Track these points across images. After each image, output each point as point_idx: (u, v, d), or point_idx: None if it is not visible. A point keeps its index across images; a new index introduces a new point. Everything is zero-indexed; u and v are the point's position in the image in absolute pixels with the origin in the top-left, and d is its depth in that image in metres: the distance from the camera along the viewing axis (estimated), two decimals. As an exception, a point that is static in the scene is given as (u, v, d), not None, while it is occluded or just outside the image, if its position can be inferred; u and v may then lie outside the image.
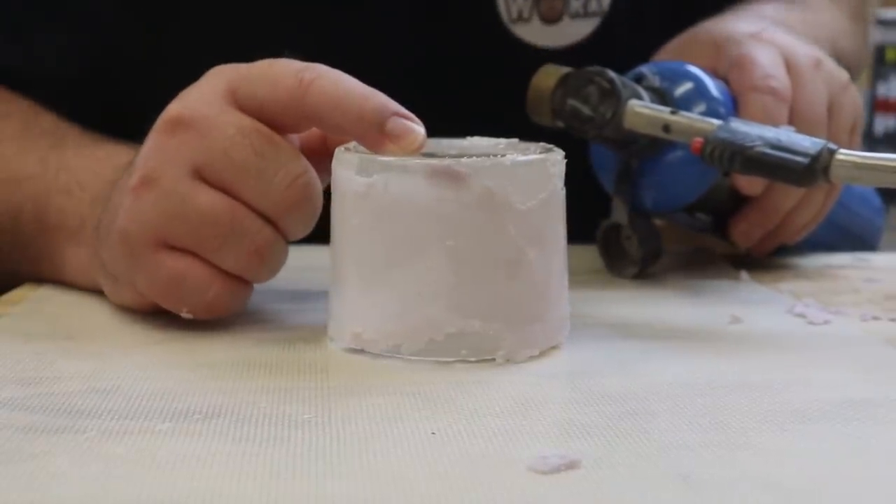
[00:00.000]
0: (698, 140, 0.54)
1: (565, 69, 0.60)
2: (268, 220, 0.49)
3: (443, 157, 0.46)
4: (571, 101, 0.59)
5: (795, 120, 0.61)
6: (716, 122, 0.55)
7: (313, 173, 0.49)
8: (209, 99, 0.48)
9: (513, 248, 0.46)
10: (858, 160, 0.51)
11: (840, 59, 0.73)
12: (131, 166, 0.50)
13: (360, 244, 0.47)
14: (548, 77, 0.60)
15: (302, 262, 0.69)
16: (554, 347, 0.48)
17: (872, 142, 1.68)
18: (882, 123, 1.65)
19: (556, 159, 0.48)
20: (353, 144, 0.49)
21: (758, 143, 0.52)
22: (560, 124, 0.60)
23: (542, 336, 0.47)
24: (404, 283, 0.46)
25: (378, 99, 0.47)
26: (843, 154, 0.51)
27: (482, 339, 0.46)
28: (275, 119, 0.48)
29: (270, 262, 0.50)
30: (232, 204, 0.48)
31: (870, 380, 0.45)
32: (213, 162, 0.47)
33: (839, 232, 0.77)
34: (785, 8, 0.77)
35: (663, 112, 0.57)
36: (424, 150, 0.47)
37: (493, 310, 0.46)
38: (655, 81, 0.62)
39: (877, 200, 0.84)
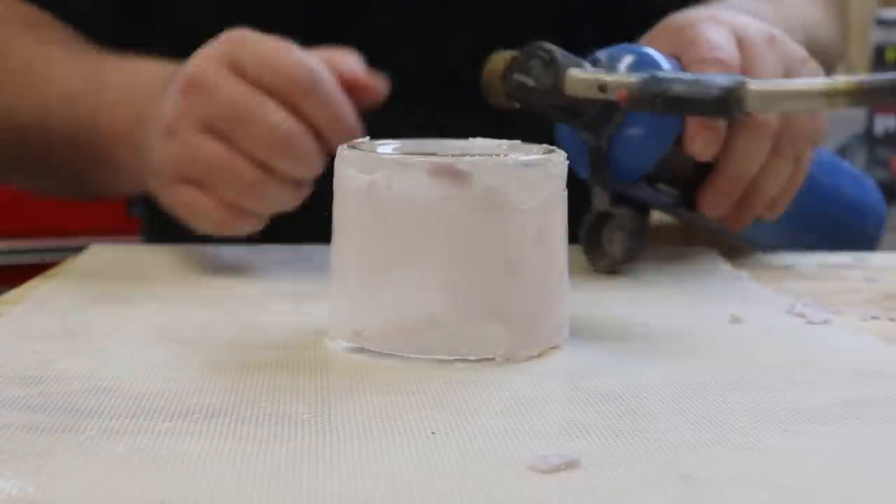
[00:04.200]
0: (622, 91, 0.57)
1: (514, 52, 0.63)
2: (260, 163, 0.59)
3: (445, 155, 0.46)
4: (517, 76, 0.62)
5: None
6: (645, 75, 0.58)
7: (292, 123, 0.59)
8: (211, 65, 0.60)
9: (514, 248, 0.46)
10: (770, 88, 0.54)
11: (814, 49, 0.75)
12: (158, 112, 0.62)
13: (362, 241, 0.47)
14: (498, 60, 0.63)
15: (302, 262, 0.69)
16: (554, 347, 0.48)
17: (872, 142, 1.67)
18: (882, 123, 1.65)
19: (558, 160, 0.48)
20: (356, 142, 0.49)
21: (677, 84, 0.56)
22: (516, 105, 0.62)
23: (541, 336, 0.47)
24: (405, 280, 0.46)
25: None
26: (756, 84, 0.54)
27: (482, 339, 0.46)
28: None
29: (265, 198, 0.60)
30: (230, 152, 0.59)
31: (870, 380, 0.45)
32: (216, 119, 0.59)
33: (828, 221, 0.77)
34: (757, 0, 0.78)
35: (598, 73, 0.60)
36: (427, 149, 0.47)
37: (493, 309, 0.46)
38: (604, 59, 0.63)
39: (875, 192, 0.83)
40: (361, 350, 0.47)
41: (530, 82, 0.61)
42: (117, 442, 0.36)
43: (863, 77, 0.53)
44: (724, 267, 0.69)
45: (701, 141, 0.61)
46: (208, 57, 0.60)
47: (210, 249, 0.73)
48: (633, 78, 0.58)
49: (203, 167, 0.60)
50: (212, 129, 0.60)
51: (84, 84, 0.71)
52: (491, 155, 0.46)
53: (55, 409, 0.40)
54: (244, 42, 0.60)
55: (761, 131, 0.63)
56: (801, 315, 0.55)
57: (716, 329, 0.53)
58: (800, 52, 0.66)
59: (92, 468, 0.34)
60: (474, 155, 0.46)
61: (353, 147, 0.48)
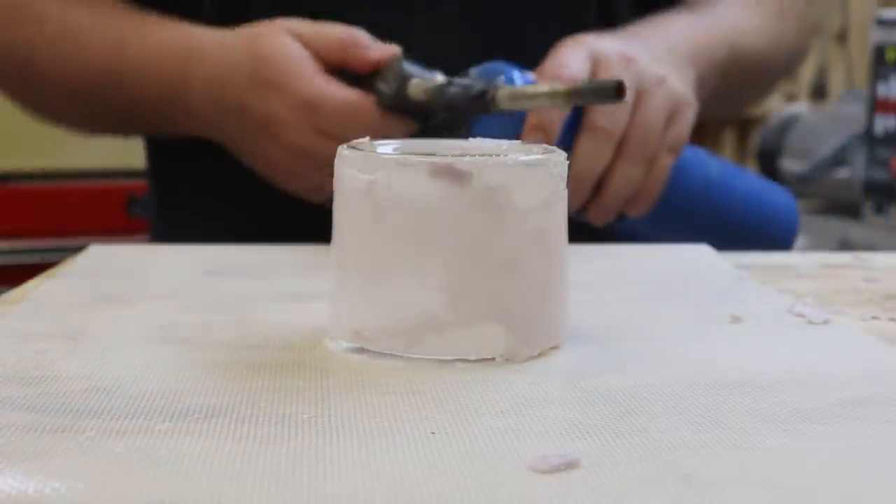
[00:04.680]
0: (428, 92, 0.70)
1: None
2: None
3: (445, 155, 0.46)
4: (378, 85, 0.72)
5: (595, 108, 0.70)
6: (444, 81, 0.70)
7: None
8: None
9: (514, 248, 0.46)
10: (513, 90, 0.66)
11: (745, 53, 0.86)
12: (249, 138, 0.76)
13: (362, 242, 0.47)
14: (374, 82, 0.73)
15: (302, 262, 0.69)
16: (554, 347, 0.48)
17: (873, 142, 1.67)
18: (882, 123, 1.65)
19: (558, 160, 0.48)
20: (356, 142, 0.49)
21: (456, 88, 0.68)
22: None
23: (542, 336, 0.47)
24: (405, 280, 0.46)
25: None
26: (505, 88, 0.66)
27: (482, 339, 0.46)
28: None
29: None
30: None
31: (870, 380, 0.45)
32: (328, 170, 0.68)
33: (716, 225, 0.80)
34: (677, 14, 0.86)
35: (428, 82, 0.70)
36: (427, 149, 0.47)
37: (493, 309, 0.46)
38: (473, 74, 0.71)
39: (783, 201, 0.84)
40: (361, 350, 0.47)
41: (384, 89, 0.72)
42: (117, 442, 0.36)
43: (574, 83, 0.64)
44: (724, 267, 0.69)
45: (532, 138, 0.69)
46: (300, 127, 0.72)
47: (210, 249, 0.73)
48: (434, 84, 0.70)
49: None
50: (325, 168, 0.73)
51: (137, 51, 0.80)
52: (491, 155, 0.46)
53: (55, 409, 0.40)
54: (318, 110, 0.72)
55: (600, 135, 0.71)
56: (801, 315, 0.55)
57: (716, 329, 0.53)
58: (657, 73, 0.73)
59: (92, 468, 0.34)
60: (474, 155, 0.46)
61: (353, 147, 0.48)
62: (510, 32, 0.86)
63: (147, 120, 0.84)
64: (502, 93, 0.66)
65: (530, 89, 0.66)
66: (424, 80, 0.71)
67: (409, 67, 0.72)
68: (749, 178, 0.84)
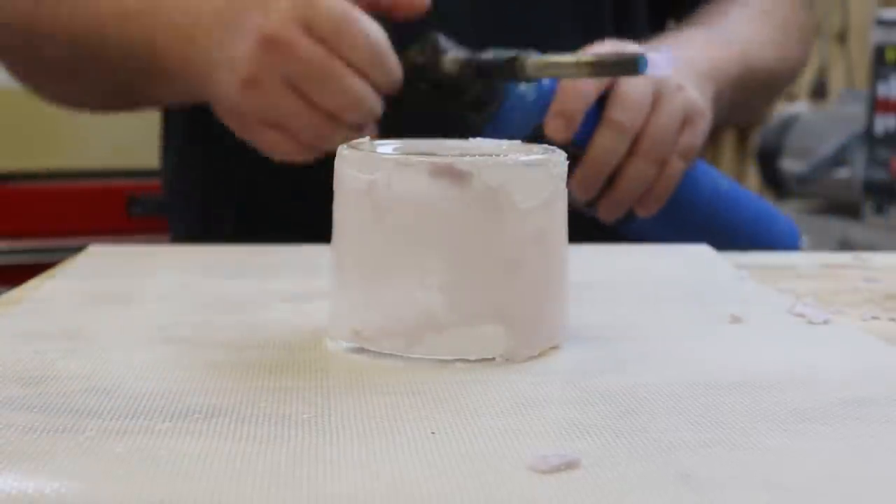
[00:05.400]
0: (458, 61, 0.72)
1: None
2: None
3: (445, 155, 0.46)
4: (411, 54, 0.73)
5: (615, 104, 0.73)
6: (472, 53, 0.72)
7: (361, 85, 0.69)
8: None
9: (514, 248, 0.46)
10: (540, 59, 0.69)
11: (756, 67, 0.89)
12: (227, 53, 0.70)
13: (362, 241, 0.47)
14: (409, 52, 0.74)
15: (302, 262, 0.69)
16: (554, 347, 0.48)
17: (873, 142, 1.67)
18: (882, 123, 1.64)
19: (558, 160, 0.48)
20: (356, 142, 0.49)
21: (487, 55, 0.71)
22: (423, 86, 0.74)
23: (541, 336, 0.47)
24: (405, 280, 0.46)
25: None
26: (534, 57, 0.69)
27: (482, 339, 0.46)
28: None
29: (335, 141, 0.62)
30: (308, 106, 0.69)
31: (870, 380, 0.45)
32: (295, 77, 0.68)
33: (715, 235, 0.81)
34: (694, 30, 0.89)
35: (456, 54, 0.73)
36: (427, 149, 0.47)
37: (493, 309, 0.46)
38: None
39: (790, 233, 0.86)
40: (361, 350, 0.47)
41: (420, 60, 0.73)
42: (117, 442, 0.36)
43: (598, 54, 0.68)
44: (724, 267, 0.69)
45: (553, 124, 0.72)
46: (283, 16, 0.68)
47: (210, 249, 0.73)
48: (464, 55, 0.72)
49: (284, 116, 0.70)
50: (291, 84, 0.69)
51: (136, 2, 0.77)
52: (491, 155, 0.46)
53: (55, 409, 0.40)
54: (315, 5, 0.68)
55: (618, 129, 0.73)
56: (801, 315, 0.55)
57: (716, 329, 0.53)
58: (677, 80, 0.75)
59: (92, 468, 0.34)
60: (474, 155, 0.46)
61: (353, 147, 0.48)
62: (521, 32, 0.86)
63: (146, 68, 0.79)
64: (531, 60, 0.69)
65: (557, 59, 0.69)
66: (457, 55, 0.72)
67: (445, 42, 0.73)
68: (757, 202, 0.85)
